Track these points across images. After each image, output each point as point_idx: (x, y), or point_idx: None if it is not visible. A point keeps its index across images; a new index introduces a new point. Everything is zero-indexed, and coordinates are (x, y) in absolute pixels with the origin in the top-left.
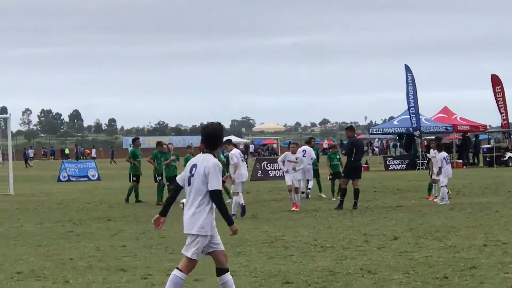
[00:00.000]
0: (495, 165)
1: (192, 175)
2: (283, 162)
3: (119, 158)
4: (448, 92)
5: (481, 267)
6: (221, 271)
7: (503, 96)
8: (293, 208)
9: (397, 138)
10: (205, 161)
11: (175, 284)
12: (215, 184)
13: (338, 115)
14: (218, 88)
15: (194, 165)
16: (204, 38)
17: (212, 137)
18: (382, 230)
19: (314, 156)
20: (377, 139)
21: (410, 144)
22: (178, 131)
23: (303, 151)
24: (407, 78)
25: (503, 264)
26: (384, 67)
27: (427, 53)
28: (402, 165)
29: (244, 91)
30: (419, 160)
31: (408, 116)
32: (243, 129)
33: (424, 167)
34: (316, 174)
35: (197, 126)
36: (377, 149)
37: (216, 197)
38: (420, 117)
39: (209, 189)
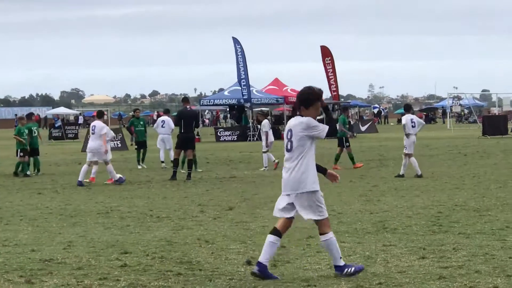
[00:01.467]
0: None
1: (290, 140)
2: None
3: None
4: (279, 64)
5: (317, 237)
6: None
7: (333, 68)
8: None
9: (228, 109)
10: (298, 122)
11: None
12: (322, 127)
13: (168, 87)
14: (47, 60)
15: (289, 130)
16: (35, 8)
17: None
18: (217, 201)
19: None
20: (207, 111)
21: (240, 115)
22: (7, 102)
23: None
24: (236, 50)
25: (339, 233)
26: (214, 39)
27: (258, 26)
28: (233, 136)
29: (73, 63)
30: (250, 132)
31: (239, 88)
32: (73, 101)
33: (255, 139)
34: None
35: (26, 97)
36: (207, 121)
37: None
38: (251, 88)
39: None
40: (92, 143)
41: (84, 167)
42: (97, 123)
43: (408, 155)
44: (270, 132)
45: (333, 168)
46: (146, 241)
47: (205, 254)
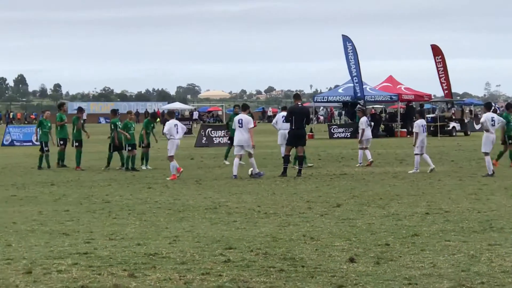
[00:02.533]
0: (439, 135)
1: None
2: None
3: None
4: (393, 61)
5: (423, 235)
6: None
7: (444, 66)
8: None
9: (342, 106)
10: None
11: None
12: None
13: (283, 83)
14: (164, 55)
15: None
16: (151, 3)
17: None
18: (325, 198)
19: None
20: (322, 107)
21: (354, 112)
22: (123, 97)
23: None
24: (346, 48)
25: (445, 232)
26: (330, 35)
27: (372, 23)
28: (347, 133)
29: (190, 58)
30: None
31: (352, 85)
32: (189, 96)
33: None
34: None
35: (142, 92)
36: (322, 117)
37: None
38: (365, 86)
39: None
40: (241, 136)
41: (236, 160)
42: (244, 116)
43: (485, 154)
44: (368, 130)
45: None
46: (251, 237)
47: (309, 250)
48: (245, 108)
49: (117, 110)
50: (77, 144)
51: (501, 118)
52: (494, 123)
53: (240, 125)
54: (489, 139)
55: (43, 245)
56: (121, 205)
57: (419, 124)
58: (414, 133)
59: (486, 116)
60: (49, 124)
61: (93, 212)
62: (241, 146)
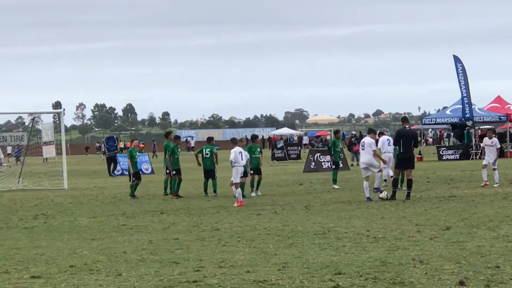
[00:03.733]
0: None
1: None
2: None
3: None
4: (501, 81)
5: None
6: None
7: None
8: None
9: (451, 128)
10: None
11: None
12: None
13: (391, 106)
14: (271, 80)
15: None
16: (256, 29)
17: None
18: (434, 220)
19: None
20: (430, 129)
21: (463, 134)
22: (231, 123)
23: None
24: (457, 68)
25: None
26: (436, 57)
27: (480, 42)
28: (456, 155)
29: (298, 82)
30: (472, 150)
31: (461, 106)
32: (297, 121)
33: (477, 157)
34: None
35: (250, 118)
36: (431, 139)
37: None
38: (473, 106)
39: None
40: (363, 158)
41: (365, 183)
42: (367, 139)
43: None
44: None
45: None
46: (360, 262)
47: (418, 274)
48: (370, 131)
49: (213, 138)
50: (174, 172)
51: None
52: None
53: (363, 148)
54: None
55: (153, 274)
56: (230, 232)
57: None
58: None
59: None
60: (137, 153)
61: (202, 240)
62: (366, 167)
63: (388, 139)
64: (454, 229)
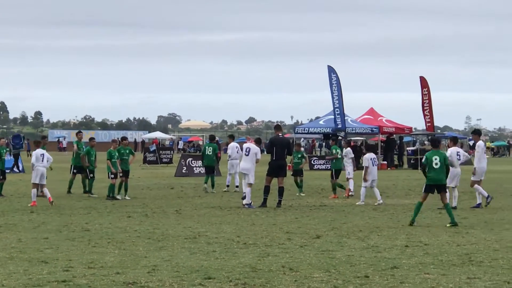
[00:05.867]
0: (419, 168)
1: None
2: None
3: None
4: (375, 94)
5: (402, 267)
6: None
7: (429, 99)
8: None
9: (323, 138)
10: None
11: None
12: None
13: (264, 114)
14: (145, 84)
15: None
16: (136, 33)
17: None
18: (305, 229)
19: None
20: (303, 139)
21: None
22: (104, 125)
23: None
24: (330, 79)
25: (424, 265)
26: (311, 67)
27: (354, 55)
28: (327, 165)
29: (172, 87)
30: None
31: (333, 116)
32: (170, 126)
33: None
34: None
35: (123, 121)
36: (302, 149)
37: None
38: (346, 118)
39: None
40: (244, 164)
41: (247, 189)
42: (252, 146)
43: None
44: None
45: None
46: (230, 267)
47: (288, 281)
48: (258, 141)
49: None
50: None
51: (466, 154)
52: (460, 157)
53: (247, 154)
54: (454, 173)
55: (22, 273)
56: (100, 233)
57: (367, 158)
58: (364, 167)
59: (452, 151)
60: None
61: (72, 240)
62: (246, 174)
63: (236, 147)
64: (324, 238)
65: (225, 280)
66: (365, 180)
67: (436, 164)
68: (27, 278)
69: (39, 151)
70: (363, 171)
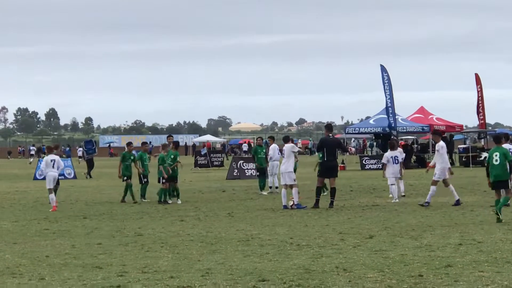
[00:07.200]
0: (471, 165)
1: None
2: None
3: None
4: (425, 92)
5: (456, 266)
6: None
7: (482, 96)
8: None
9: (374, 137)
10: None
11: None
12: None
13: (314, 114)
14: (195, 87)
15: None
16: (182, 37)
17: None
18: (357, 229)
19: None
20: (353, 139)
21: (386, 143)
22: (154, 130)
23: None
24: (383, 78)
25: (478, 263)
26: (361, 66)
27: (405, 53)
28: (378, 165)
29: (222, 90)
30: None
31: (385, 116)
32: (220, 129)
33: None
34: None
35: (173, 125)
36: (353, 149)
37: None
38: (397, 117)
39: None
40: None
41: (283, 191)
42: (287, 147)
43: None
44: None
45: None
46: (284, 269)
47: (342, 282)
48: (286, 140)
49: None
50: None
51: None
52: None
53: (283, 155)
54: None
55: (76, 279)
56: (153, 238)
57: (387, 155)
58: (382, 164)
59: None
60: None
61: (125, 245)
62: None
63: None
64: (377, 237)
65: (279, 282)
66: (384, 177)
67: (496, 160)
68: (81, 284)
69: (50, 157)
70: (382, 168)
